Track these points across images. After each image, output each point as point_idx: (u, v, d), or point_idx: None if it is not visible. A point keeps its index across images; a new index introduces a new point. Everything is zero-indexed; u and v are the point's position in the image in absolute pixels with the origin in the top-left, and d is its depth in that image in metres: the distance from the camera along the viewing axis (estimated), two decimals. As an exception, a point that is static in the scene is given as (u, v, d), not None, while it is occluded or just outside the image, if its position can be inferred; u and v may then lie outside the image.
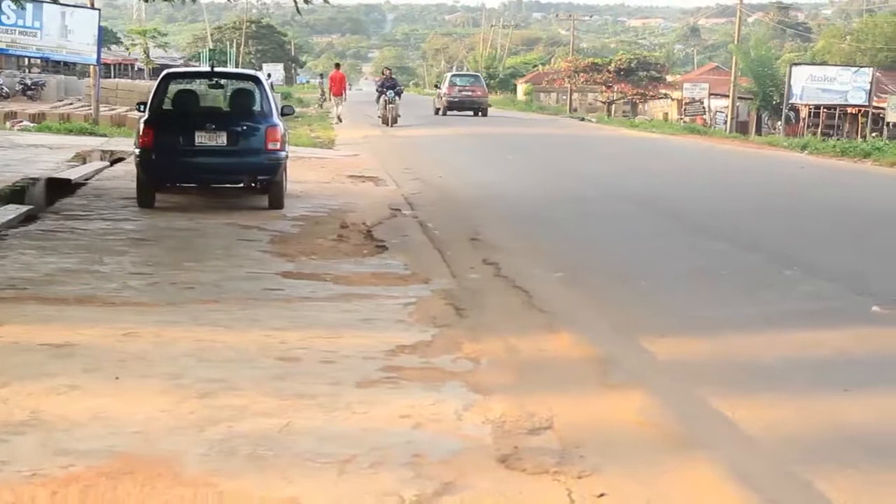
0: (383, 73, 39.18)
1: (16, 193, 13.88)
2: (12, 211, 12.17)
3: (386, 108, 36.19)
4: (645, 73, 68.64)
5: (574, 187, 18.03)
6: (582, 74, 70.75)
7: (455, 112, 45.78)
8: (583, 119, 56.97)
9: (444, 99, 46.95)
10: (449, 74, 55.55)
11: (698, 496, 4.57)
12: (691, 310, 8.47)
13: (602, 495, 4.42)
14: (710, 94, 59.98)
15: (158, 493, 4.35)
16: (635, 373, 6.40)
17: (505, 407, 5.49)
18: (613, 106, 70.44)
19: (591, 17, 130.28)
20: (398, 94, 37.00)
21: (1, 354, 6.29)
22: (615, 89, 69.67)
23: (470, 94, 47.91)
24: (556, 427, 5.23)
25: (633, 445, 5.09)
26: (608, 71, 68.87)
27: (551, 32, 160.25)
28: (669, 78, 73.22)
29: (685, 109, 60.81)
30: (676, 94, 65.59)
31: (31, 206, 12.78)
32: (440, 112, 45.82)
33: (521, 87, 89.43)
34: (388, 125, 35.54)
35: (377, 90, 38.50)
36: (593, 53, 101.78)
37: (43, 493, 4.30)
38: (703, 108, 59.90)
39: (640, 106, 71.55)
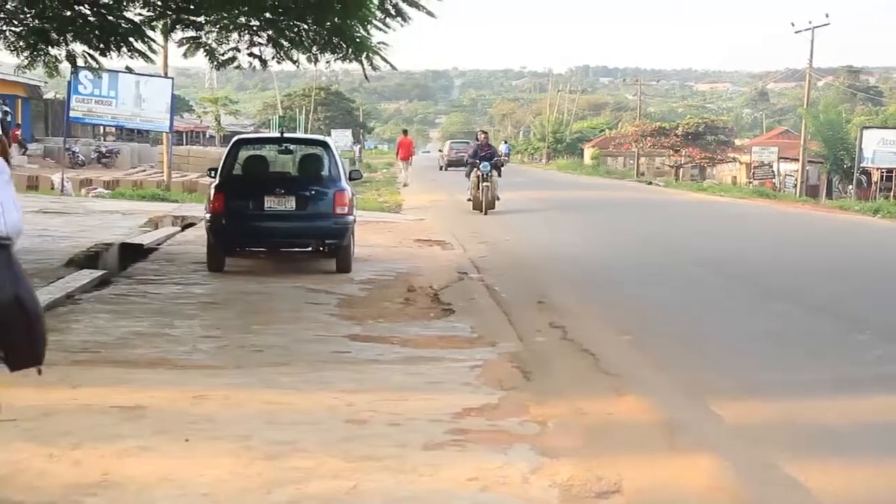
0: (478, 138, 28.49)
1: (90, 258, 14.13)
2: (86, 276, 12.39)
3: (479, 188, 26.10)
4: (713, 136, 68.57)
5: (641, 250, 17.97)
6: (649, 138, 70.78)
7: (453, 168, 58.75)
8: (650, 183, 56.92)
9: (445, 159, 65.34)
10: (449, 141, 79.52)
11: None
12: (761, 373, 8.36)
13: (671, 560, 4.37)
14: (780, 158, 59.61)
15: (226, 554, 4.38)
16: (704, 437, 6.33)
17: (572, 470, 5.45)
18: (681, 170, 70.28)
19: (658, 81, 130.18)
20: (497, 167, 26.69)
21: (74, 416, 6.38)
22: (683, 153, 69.57)
23: (463, 154, 56.65)
24: (625, 491, 5.18)
25: (702, 510, 5.04)
26: (675, 135, 68.90)
27: (618, 97, 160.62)
28: (738, 142, 73.15)
29: (754, 173, 60.47)
30: (745, 158, 65.29)
31: (104, 271, 12.98)
32: (443, 168, 61.78)
33: (588, 152, 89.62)
34: (481, 211, 25.81)
35: (467, 161, 27.57)
36: (661, 118, 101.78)
37: (113, 553, 4.34)
38: (773, 171, 59.52)
39: (709, 170, 71.34)
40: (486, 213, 25.35)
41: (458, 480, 5.31)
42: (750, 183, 58.02)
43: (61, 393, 6.90)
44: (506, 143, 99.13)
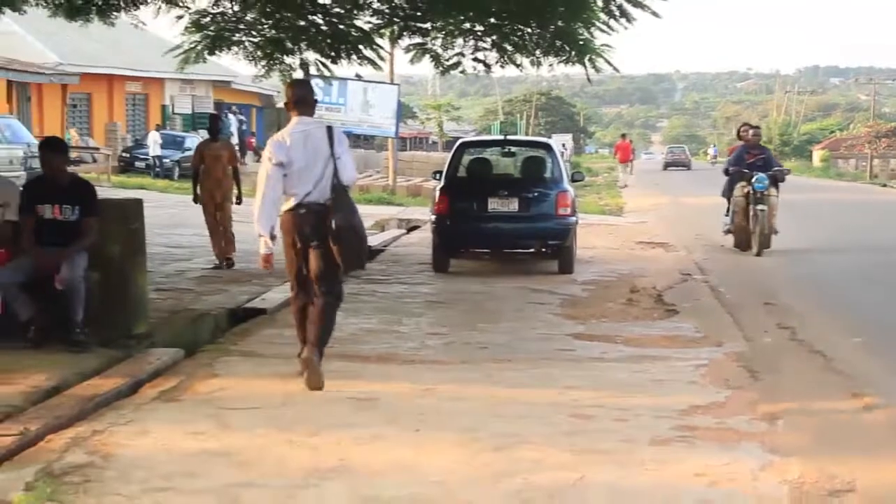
0: (740, 135, 18.62)
1: (321, 259, 14.62)
2: (318, 275, 12.84)
3: (748, 214, 16.49)
4: (957, 136, 65.34)
5: (872, 254, 17.26)
6: (884, 140, 68.11)
7: (672, 168, 71.30)
8: (884, 185, 54.66)
9: (664, 160, 77.18)
10: (669, 146, 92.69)
11: None
12: None
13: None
14: None
15: (458, 539, 4.51)
16: (944, 440, 6.10)
17: (803, 468, 5.36)
18: (918, 172, 67.21)
19: (894, 80, 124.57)
20: (777, 180, 16.90)
21: (311, 406, 6.68)
22: (919, 155, 66.57)
23: (679, 157, 76.37)
24: (859, 490, 5.06)
25: (942, 512, 4.87)
26: (912, 136, 66.02)
27: (850, 98, 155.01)
28: None
29: None
30: None
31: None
32: (665, 168, 71.81)
33: (817, 154, 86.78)
34: (750, 250, 16.40)
35: (728, 170, 17.40)
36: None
37: (351, 534, 4.54)
38: None
39: (953, 171, 67.98)
40: (759, 255, 16.11)
41: (685, 475, 5.30)
42: None
43: (298, 384, 7.23)
44: (714, 146, 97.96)
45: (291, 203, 7.31)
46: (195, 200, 13.67)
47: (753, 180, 16.37)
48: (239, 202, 13.55)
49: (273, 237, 7.39)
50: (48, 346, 7.93)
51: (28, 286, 7.89)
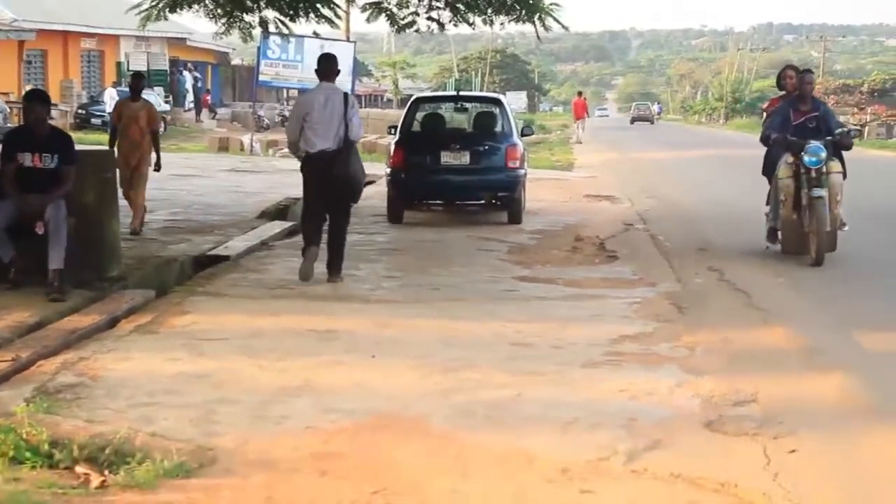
0: (782, 83, 12.35)
1: (280, 211, 15.26)
2: (278, 226, 13.54)
3: (799, 203, 11.07)
4: (902, 93, 66.47)
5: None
6: (832, 96, 69.05)
7: (638, 122, 79.37)
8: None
9: (631, 115, 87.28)
10: (635, 103, 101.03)
11: (888, 451, 5.10)
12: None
13: (793, 451, 4.99)
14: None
15: (411, 442, 5.18)
16: (841, 359, 6.88)
17: (714, 385, 6.09)
18: (867, 128, 68.28)
19: (844, 37, 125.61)
20: (842, 147, 11.52)
21: (277, 337, 7.34)
22: (868, 111, 67.63)
23: (644, 112, 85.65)
24: (760, 400, 5.80)
25: (830, 415, 5.64)
26: (860, 92, 67.17)
27: (803, 55, 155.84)
28: (931, 98, 70.58)
29: (947, 131, 58.35)
30: (938, 115, 62.97)
31: (293, 223, 14.02)
32: (632, 122, 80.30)
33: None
34: (808, 255, 10.92)
35: (770, 137, 11.38)
36: (848, 75, 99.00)
37: (317, 440, 5.19)
38: (969, 129, 57.32)
39: (896, 128, 69.11)
40: (819, 263, 10.77)
41: (611, 391, 6.03)
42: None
43: (265, 319, 7.89)
44: (657, 103, 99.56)
45: (310, 150, 9.57)
46: None
47: (804, 153, 11.02)
48: (157, 169, 12.84)
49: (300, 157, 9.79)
50: (28, 286, 8.48)
51: (10, 230, 8.43)
